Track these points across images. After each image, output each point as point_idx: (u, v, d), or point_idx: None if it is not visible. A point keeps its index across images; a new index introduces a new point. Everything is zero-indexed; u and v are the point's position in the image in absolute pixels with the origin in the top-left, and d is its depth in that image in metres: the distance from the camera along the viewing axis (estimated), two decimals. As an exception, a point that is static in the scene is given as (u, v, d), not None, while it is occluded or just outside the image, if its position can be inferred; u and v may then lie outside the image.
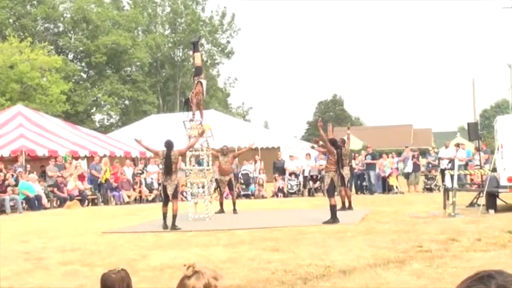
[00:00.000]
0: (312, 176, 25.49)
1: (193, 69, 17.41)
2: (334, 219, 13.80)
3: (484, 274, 1.51)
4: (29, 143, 25.16)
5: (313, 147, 18.53)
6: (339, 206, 15.73)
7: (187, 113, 16.40)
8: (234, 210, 17.74)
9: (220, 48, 71.66)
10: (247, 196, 25.53)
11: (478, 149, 22.82)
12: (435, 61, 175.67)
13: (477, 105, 48.83)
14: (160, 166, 16.77)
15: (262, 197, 25.57)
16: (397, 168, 27.19)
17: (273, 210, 19.15)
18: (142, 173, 26.48)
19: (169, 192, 14.09)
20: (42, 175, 24.75)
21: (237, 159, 23.73)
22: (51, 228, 14.91)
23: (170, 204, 14.22)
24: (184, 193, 22.13)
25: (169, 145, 14.34)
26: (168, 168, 14.15)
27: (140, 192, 25.47)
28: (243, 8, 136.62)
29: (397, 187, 25.06)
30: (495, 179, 15.53)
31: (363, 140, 63.49)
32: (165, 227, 13.85)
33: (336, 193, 14.68)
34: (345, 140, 17.85)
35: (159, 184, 23.23)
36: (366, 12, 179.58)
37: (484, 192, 14.98)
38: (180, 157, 22.18)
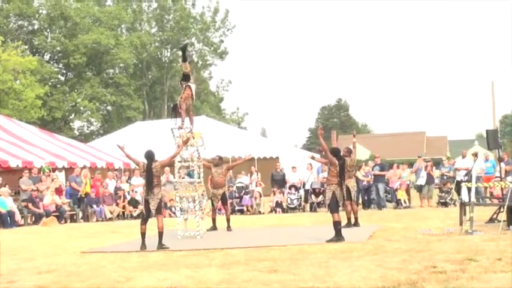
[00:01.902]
0: (314, 189, 25.51)
1: (182, 75, 17.44)
2: (338, 236, 13.81)
3: None
4: (1, 153, 25.14)
5: (313, 158, 18.54)
6: (344, 222, 15.74)
7: (176, 120, 16.43)
8: (228, 227, 17.75)
9: (212, 48, 71.92)
10: (242, 212, 25.54)
11: (499, 159, 22.86)
12: (450, 62, 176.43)
13: (497, 110, 48.97)
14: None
15: (259, 212, 25.58)
16: (409, 180, 27.26)
17: (270, 227, 19.15)
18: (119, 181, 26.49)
19: (152, 207, 13.99)
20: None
21: (231, 171, 23.77)
22: (26, 248, 14.89)
23: (152, 221, 14.17)
24: (173, 208, 22.17)
25: (149, 156, 14.21)
26: (150, 182, 14.08)
27: (124, 207, 25.46)
28: (237, 4, 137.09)
29: (405, 201, 25.13)
30: (517, 192, 15.53)
31: (370, 149, 63.74)
32: (143, 247, 13.75)
33: (340, 208, 14.68)
34: (350, 150, 17.88)
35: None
36: (375, 10, 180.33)
37: (505, 207, 15.00)
38: (166, 168, 22.35)
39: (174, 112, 16.74)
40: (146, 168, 14.08)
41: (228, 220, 17.93)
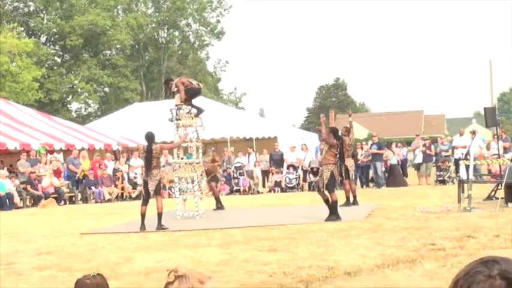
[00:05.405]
0: (312, 169, 25.52)
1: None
2: (336, 216, 13.84)
3: (489, 259, 1.62)
4: (-1, 136, 25.10)
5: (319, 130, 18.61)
6: (342, 201, 15.80)
7: (176, 97, 16.41)
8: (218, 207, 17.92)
9: (209, 28, 71.51)
10: (240, 191, 25.58)
11: (496, 137, 22.89)
12: (448, 40, 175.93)
13: (495, 88, 48.88)
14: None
15: (258, 192, 25.62)
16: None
17: (269, 206, 19.19)
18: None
19: (151, 188, 14.08)
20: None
21: (230, 151, 23.75)
22: (25, 230, 14.91)
23: (152, 202, 14.27)
24: (172, 189, 22.18)
25: (150, 138, 14.38)
26: (149, 163, 14.17)
27: (123, 188, 25.47)
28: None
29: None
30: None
31: (368, 128, 63.65)
32: (142, 228, 13.81)
33: (335, 187, 14.71)
34: (349, 129, 17.88)
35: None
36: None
37: (503, 184, 15.02)
38: (164, 151, 22.47)
39: (166, 86, 16.95)
40: (146, 149, 14.18)
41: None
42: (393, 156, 25.96)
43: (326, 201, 14.14)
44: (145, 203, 14.20)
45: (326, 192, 14.16)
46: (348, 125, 18.25)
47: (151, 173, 14.11)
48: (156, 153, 14.29)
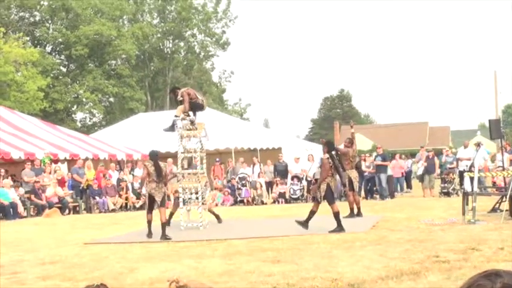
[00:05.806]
0: (316, 180, 25.51)
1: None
2: (340, 227, 13.85)
3: (492, 272, 1.64)
4: (3, 145, 25.10)
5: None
6: (346, 212, 15.79)
7: (178, 108, 16.44)
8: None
9: (214, 39, 71.62)
10: (244, 202, 25.57)
11: (501, 149, 22.86)
12: (453, 52, 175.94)
13: (499, 100, 48.73)
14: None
15: (262, 203, 25.60)
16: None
17: (273, 217, 19.17)
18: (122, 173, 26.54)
19: (158, 199, 14.40)
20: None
21: (233, 161, 23.73)
22: (28, 239, 14.93)
23: (156, 212, 14.51)
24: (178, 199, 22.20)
25: (155, 155, 14.94)
26: (160, 177, 14.51)
27: (127, 198, 25.48)
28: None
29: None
30: (520, 181, 15.53)
31: (373, 140, 63.58)
32: (149, 235, 14.08)
33: (336, 198, 14.80)
34: (352, 140, 17.91)
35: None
36: (377, 0, 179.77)
37: (508, 197, 15.00)
38: (169, 160, 22.72)
39: (173, 94, 17.01)
40: (155, 165, 14.55)
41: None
42: (388, 168, 25.94)
43: (311, 212, 14.26)
44: (150, 211, 14.62)
45: (320, 204, 14.34)
46: (351, 136, 18.30)
47: (158, 186, 14.42)
48: (164, 167, 15.07)
